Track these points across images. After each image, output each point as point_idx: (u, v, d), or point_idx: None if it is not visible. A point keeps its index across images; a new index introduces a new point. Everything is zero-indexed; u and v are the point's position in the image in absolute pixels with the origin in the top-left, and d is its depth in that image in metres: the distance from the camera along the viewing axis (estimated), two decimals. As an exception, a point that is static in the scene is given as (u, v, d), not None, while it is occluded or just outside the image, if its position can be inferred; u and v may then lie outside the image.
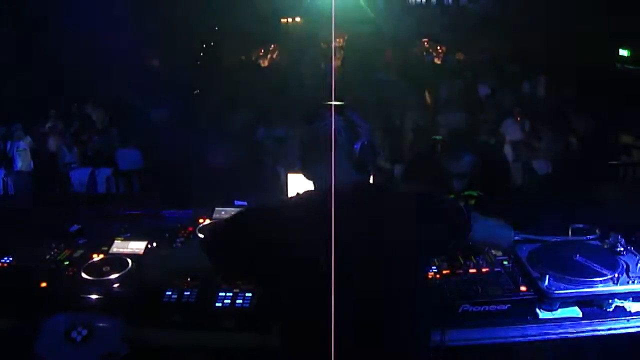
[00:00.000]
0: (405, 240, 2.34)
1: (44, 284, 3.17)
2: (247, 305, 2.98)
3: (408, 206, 2.43)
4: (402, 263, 2.34)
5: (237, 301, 3.00)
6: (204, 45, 19.97)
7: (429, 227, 2.41)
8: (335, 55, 17.17)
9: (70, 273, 3.27)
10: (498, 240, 2.97)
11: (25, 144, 9.34)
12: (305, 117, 2.55)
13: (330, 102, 2.53)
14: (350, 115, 2.49)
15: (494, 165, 3.79)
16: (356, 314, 2.28)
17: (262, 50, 20.45)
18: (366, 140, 2.46)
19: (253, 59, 19.62)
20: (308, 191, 2.50)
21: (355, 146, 2.44)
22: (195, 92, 13.94)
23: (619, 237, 3.41)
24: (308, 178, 2.55)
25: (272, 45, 20.84)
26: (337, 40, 18.62)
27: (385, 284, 2.31)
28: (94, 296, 3.08)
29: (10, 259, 3.43)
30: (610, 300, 3.04)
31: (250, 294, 3.04)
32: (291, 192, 3.80)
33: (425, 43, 21.58)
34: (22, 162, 9.09)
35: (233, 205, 4.10)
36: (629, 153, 9.62)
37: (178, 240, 3.67)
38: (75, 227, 3.88)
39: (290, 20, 22.93)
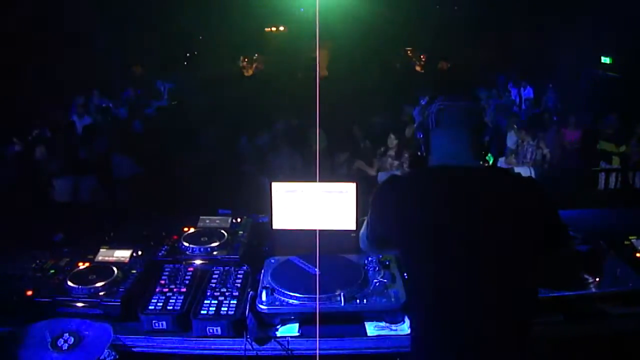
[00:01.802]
0: (518, 232, 2.34)
1: (29, 292, 3.17)
2: (232, 312, 3.00)
3: (527, 195, 2.42)
4: (514, 258, 2.33)
5: (222, 308, 3.02)
6: (187, 54, 19.98)
7: (542, 223, 2.39)
8: (319, 63, 17.17)
9: (56, 281, 3.28)
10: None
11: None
12: (434, 98, 2.63)
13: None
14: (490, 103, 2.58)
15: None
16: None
17: (246, 60, 20.45)
18: (493, 132, 2.58)
19: (237, 68, 19.64)
20: (439, 166, 2.57)
21: (485, 136, 2.56)
22: (174, 102, 13.95)
23: (601, 242, 3.46)
24: (430, 154, 2.63)
25: (256, 55, 20.85)
26: (322, 49, 18.62)
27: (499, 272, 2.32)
28: (79, 304, 3.09)
29: (-5, 267, 3.44)
30: (593, 304, 3.08)
31: (235, 302, 3.07)
32: (275, 200, 3.83)
33: (409, 52, 21.69)
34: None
35: (217, 214, 4.11)
36: (610, 159, 9.73)
37: (163, 248, 3.69)
38: (60, 236, 3.88)
39: (274, 29, 22.93)
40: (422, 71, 19.77)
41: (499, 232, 2.31)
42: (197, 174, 7.97)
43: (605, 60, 15.50)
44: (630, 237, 3.63)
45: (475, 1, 17.51)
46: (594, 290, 3.13)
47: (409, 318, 2.56)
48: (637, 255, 3.43)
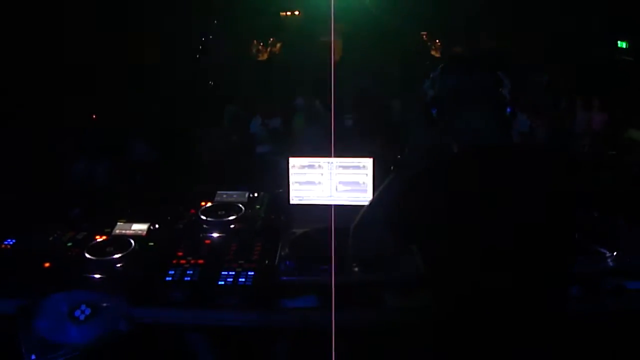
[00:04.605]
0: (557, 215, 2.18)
1: (47, 264, 3.20)
2: (250, 283, 3.01)
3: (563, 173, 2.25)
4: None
5: (240, 279, 3.03)
6: (203, 39, 19.94)
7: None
8: (334, 48, 17.11)
9: (74, 254, 3.31)
10: None
11: None
12: (444, 70, 2.41)
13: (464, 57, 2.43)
14: (502, 77, 2.36)
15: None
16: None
17: (261, 44, 20.39)
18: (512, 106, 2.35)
19: (251, 52, 19.60)
20: (469, 149, 2.32)
21: (507, 109, 2.33)
22: (210, 83, 14.07)
23: (619, 217, 3.45)
24: (450, 132, 2.39)
25: (271, 39, 20.79)
26: (336, 33, 18.52)
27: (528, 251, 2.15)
28: (97, 276, 3.11)
29: (14, 240, 3.47)
30: (609, 279, 3.06)
31: (252, 272, 3.08)
32: (292, 175, 3.83)
33: (424, 36, 21.59)
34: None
35: (235, 189, 4.12)
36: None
37: (180, 222, 3.70)
38: (77, 210, 3.90)
39: (289, 13, 22.86)
40: (439, 56, 19.67)
41: (538, 216, 2.15)
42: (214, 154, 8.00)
43: (622, 44, 15.34)
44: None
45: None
46: (611, 264, 3.12)
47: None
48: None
